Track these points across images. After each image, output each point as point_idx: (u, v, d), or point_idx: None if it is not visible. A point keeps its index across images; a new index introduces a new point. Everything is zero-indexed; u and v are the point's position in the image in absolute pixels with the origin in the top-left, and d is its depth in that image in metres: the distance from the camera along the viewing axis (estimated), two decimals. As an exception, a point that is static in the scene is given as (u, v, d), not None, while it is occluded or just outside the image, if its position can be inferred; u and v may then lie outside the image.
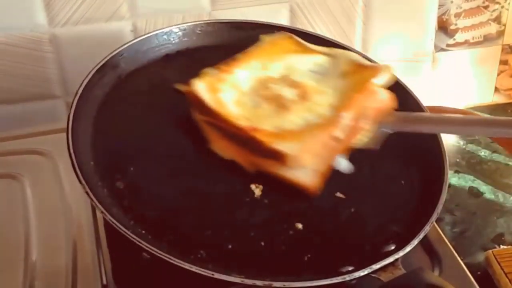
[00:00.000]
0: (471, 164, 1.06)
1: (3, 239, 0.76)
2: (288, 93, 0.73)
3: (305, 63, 0.78)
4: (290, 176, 0.67)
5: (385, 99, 0.74)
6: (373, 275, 0.61)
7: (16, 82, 0.99)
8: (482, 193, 1.00)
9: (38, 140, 0.91)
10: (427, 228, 0.65)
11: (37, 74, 1.00)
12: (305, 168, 0.67)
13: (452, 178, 1.02)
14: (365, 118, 0.71)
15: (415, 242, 0.64)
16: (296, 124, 0.70)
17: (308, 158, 0.67)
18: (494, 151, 1.08)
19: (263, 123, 0.69)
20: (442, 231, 0.79)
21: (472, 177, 1.03)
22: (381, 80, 0.74)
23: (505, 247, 0.90)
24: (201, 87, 0.71)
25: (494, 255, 0.85)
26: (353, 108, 0.70)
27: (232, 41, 0.87)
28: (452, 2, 1.10)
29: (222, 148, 0.70)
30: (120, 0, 0.97)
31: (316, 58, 0.79)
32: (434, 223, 0.77)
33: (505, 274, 0.82)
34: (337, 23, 1.06)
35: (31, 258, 0.73)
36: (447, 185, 0.70)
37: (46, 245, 0.74)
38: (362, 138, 0.72)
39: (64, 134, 0.73)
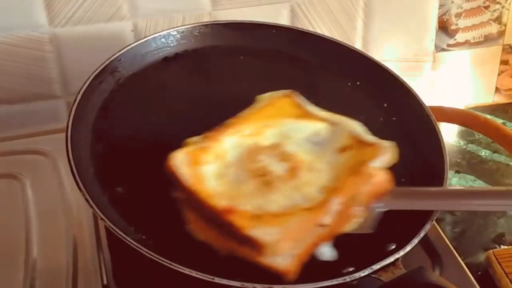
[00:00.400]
0: (472, 164, 1.06)
1: (4, 239, 0.76)
2: (276, 167, 0.67)
3: (303, 131, 0.71)
4: (266, 262, 0.60)
5: (381, 182, 0.66)
6: (374, 276, 0.61)
7: (16, 82, 0.99)
8: (482, 193, 1.00)
9: (38, 140, 0.91)
10: (427, 226, 0.65)
11: (38, 74, 1.00)
12: (283, 255, 0.60)
13: (453, 178, 1.02)
14: (357, 204, 0.64)
15: (415, 241, 0.63)
16: (280, 205, 0.63)
17: (287, 246, 0.60)
18: (495, 151, 1.08)
19: (243, 202, 0.63)
20: (443, 231, 0.79)
21: (473, 177, 1.03)
22: (381, 161, 0.67)
23: (505, 247, 0.90)
24: (180, 160, 0.65)
25: (494, 255, 0.85)
26: (345, 193, 0.63)
27: (231, 41, 0.86)
28: (452, 2, 1.10)
29: (198, 229, 0.64)
30: (121, 0, 0.97)
31: (316, 126, 0.72)
32: (435, 223, 0.78)
33: (506, 274, 0.82)
34: (337, 23, 1.06)
35: (32, 258, 0.73)
36: (447, 181, 0.70)
37: (47, 245, 0.74)
38: (351, 224, 0.65)
39: (64, 134, 0.73)
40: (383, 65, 0.85)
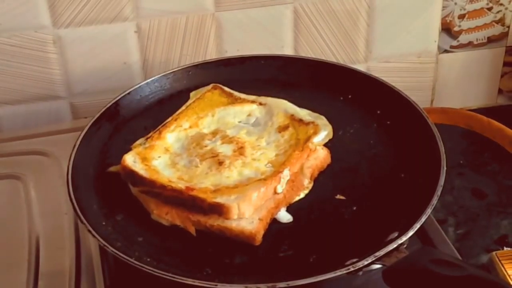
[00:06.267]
0: (475, 165, 1.06)
1: (7, 239, 0.76)
2: (224, 149, 0.74)
3: (237, 115, 0.80)
4: (234, 226, 0.66)
5: (322, 157, 0.75)
6: (378, 263, 0.61)
7: (20, 83, 1.00)
8: (485, 195, 1.00)
9: (42, 140, 0.91)
10: (428, 211, 0.65)
11: (41, 75, 1.00)
12: (248, 218, 0.66)
13: (456, 180, 1.02)
14: (303, 175, 0.72)
15: (417, 226, 0.64)
16: (235, 180, 0.69)
17: (249, 209, 0.66)
18: (498, 153, 1.08)
19: (200, 181, 0.69)
20: (446, 232, 0.79)
21: (476, 179, 1.03)
22: (320, 138, 0.76)
23: (508, 249, 0.90)
24: (131, 160, 0.72)
25: (497, 257, 0.85)
26: (293, 165, 0.71)
27: (222, 77, 0.88)
28: (455, 3, 1.09)
29: (162, 215, 0.68)
30: (124, 1, 0.97)
31: (248, 108, 0.80)
32: (437, 224, 0.78)
33: (508, 276, 0.82)
34: (341, 24, 1.06)
35: (35, 258, 0.73)
36: (445, 168, 0.70)
37: (50, 245, 0.75)
38: (300, 194, 0.72)
39: (68, 135, 0.74)
40: (370, 74, 0.88)
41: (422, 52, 1.12)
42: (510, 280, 0.81)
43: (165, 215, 0.68)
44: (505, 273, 0.82)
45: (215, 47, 1.04)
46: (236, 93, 0.83)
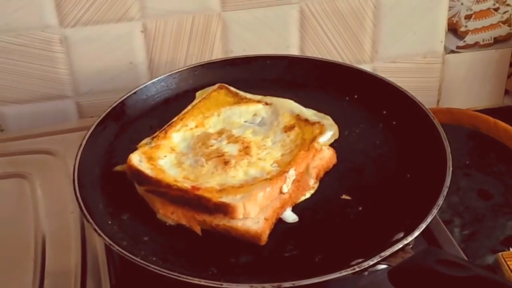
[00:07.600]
0: (481, 166, 1.06)
1: (13, 238, 0.76)
2: (230, 149, 0.74)
3: (243, 115, 0.80)
4: (239, 226, 0.66)
5: (328, 157, 0.75)
6: (383, 263, 0.61)
7: (26, 82, 1.00)
8: (491, 196, 1.00)
9: (48, 139, 0.91)
10: (434, 211, 0.65)
11: (48, 74, 1.00)
12: (253, 218, 0.66)
13: (462, 180, 1.02)
14: (309, 175, 0.72)
15: (423, 226, 0.64)
16: (240, 179, 0.69)
17: (254, 207, 0.66)
18: (504, 153, 1.08)
19: (206, 181, 0.69)
20: (452, 233, 0.78)
21: (482, 179, 1.03)
22: (325, 138, 0.76)
23: (514, 249, 0.90)
24: (137, 159, 0.72)
25: (503, 258, 0.84)
26: (298, 165, 0.71)
27: (229, 77, 0.88)
28: (462, 4, 1.09)
29: (168, 214, 0.68)
30: (130, 1, 0.97)
31: (253, 108, 0.80)
32: (443, 225, 0.78)
33: (515, 276, 0.82)
34: (347, 24, 1.06)
35: (41, 257, 0.73)
36: (451, 168, 0.70)
37: (56, 245, 0.75)
38: (306, 194, 0.72)
39: (74, 134, 0.73)
40: (376, 75, 0.88)
41: (428, 52, 1.12)
42: (516, 281, 0.81)
43: (170, 215, 0.68)
44: (511, 274, 0.82)
45: (221, 47, 1.04)
46: (242, 93, 0.83)
